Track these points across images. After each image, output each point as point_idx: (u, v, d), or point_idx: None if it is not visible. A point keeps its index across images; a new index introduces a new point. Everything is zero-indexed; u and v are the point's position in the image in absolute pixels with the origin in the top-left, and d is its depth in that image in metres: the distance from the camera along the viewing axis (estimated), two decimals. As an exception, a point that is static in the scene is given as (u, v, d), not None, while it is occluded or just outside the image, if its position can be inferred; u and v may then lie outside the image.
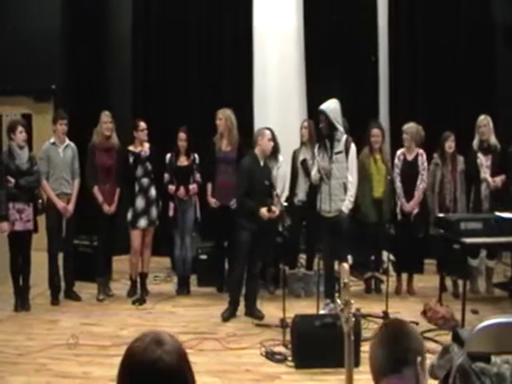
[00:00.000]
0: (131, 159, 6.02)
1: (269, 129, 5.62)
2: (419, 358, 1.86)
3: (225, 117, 6.06)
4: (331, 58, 7.54)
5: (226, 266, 6.29)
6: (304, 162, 6.06)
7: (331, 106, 5.42)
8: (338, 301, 2.32)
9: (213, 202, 6.07)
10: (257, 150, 5.38)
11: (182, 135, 6.19)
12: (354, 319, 2.30)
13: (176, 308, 5.82)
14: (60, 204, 5.90)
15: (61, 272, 6.04)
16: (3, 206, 5.49)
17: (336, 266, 5.19)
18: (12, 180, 5.49)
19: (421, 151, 6.12)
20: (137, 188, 6.02)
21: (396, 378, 1.84)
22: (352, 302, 2.26)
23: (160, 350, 1.49)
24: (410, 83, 7.52)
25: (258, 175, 5.27)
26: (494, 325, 3.25)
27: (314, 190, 5.84)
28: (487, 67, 7.32)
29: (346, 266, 2.35)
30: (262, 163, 5.38)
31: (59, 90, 7.88)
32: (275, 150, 5.89)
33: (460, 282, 5.59)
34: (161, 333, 1.57)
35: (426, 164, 6.06)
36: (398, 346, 1.87)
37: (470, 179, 6.03)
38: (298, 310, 4.88)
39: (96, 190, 5.94)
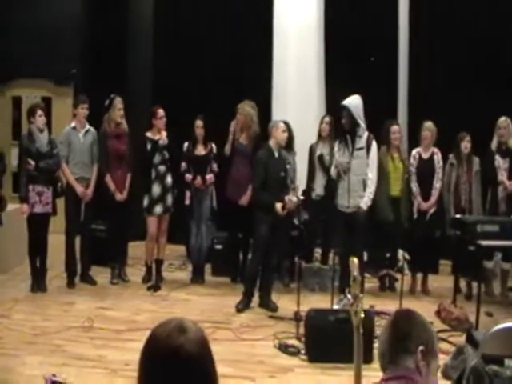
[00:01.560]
0: (149, 146, 6.04)
1: (284, 121, 5.64)
2: (421, 347, 1.79)
3: (244, 113, 6.10)
4: (351, 54, 7.52)
5: (241, 256, 6.32)
6: (321, 157, 6.10)
7: (354, 102, 5.49)
8: (348, 295, 2.35)
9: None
10: (271, 142, 5.41)
11: (199, 122, 6.21)
12: (363, 313, 2.33)
13: (190, 296, 5.87)
14: (79, 188, 5.95)
15: (77, 256, 6.11)
16: (23, 188, 5.58)
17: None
18: (32, 162, 5.56)
19: (436, 150, 6.12)
20: (153, 175, 6.05)
21: (393, 373, 1.80)
22: (361, 295, 2.28)
23: (183, 338, 1.49)
24: (429, 82, 7.45)
25: (274, 167, 5.31)
26: (509, 328, 3.35)
27: (332, 184, 5.90)
28: (508, 68, 7.24)
29: (355, 260, 2.38)
30: (276, 155, 5.40)
31: (79, 75, 7.92)
32: (290, 144, 5.95)
33: (474, 284, 5.58)
34: (184, 320, 1.56)
35: (441, 163, 6.05)
36: (398, 332, 1.82)
37: (487, 181, 6.00)
38: (312, 304, 4.89)
39: (108, 177, 5.97)
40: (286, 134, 5.44)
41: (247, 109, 6.12)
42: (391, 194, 6.05)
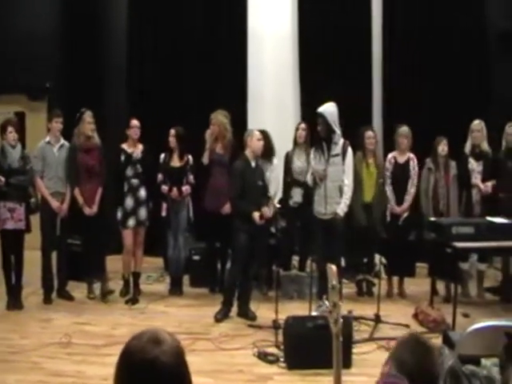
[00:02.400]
0: (122, 158, 6.00)
1: (262, 131, 5.67)
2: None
3: (218, 122, 6.11)
4: (325, 60, 7.56)
5: (219, 267, 6.29)
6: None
7: (329, 109, 5.51)
8: (327, 303, 2.36)
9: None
10: (247, 152, 5.41)
11: (173, 133, 6.15)
12: (342, 321, 2.33)
13: (169, 308, 5.82)
14: (54, 203, 5.89)
15: (54, 271, 6.03)
16: None
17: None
18: (2, 179, 5.49)
19: (412, 155, 6.15)
20: (126, 187, 6.02)
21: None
22: (340, 303, 2.29)
23: (158, 350, 1.46)
24: (404, 87, 7.53)
25: (251, 176, 5.31)
26: (485, 328, 3.39)
27: (309, 192, 5.90)
28: (481, 72, 7.36)
29: (333, 267, 2.37)
30: (253, 164, 5.40)
31: (53, 89, 7.88)
32: (269, 153, 5.94)
33: (451, 286, 5.61)
34: (159, 331, 1.54)
35: (417, 168, 6.07)
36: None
37: (462, 184, 6.04)
38: (291, 312, 4.87)
39: (77, 191, 5.88)
40: (261, 143, 5.43)
41: (220, 118, 6.13)
42: (364, 201, 6.09)
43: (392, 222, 6.11)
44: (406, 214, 6.09)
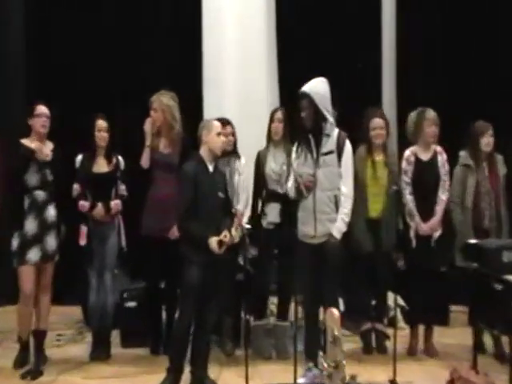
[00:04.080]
0: (23, 158, 5.59)
1: (222, 120, 5.51)
2: None
3: (161, 107, 5.88)
4: (315, 26, 7.47)
5: (164, 316, 6.02)
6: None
7: (318, 87, 5.22)
8: (324, 363, 2.36)
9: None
10: (203, 151, 5.15)
11: (102, 124, 5.88)
12: None
13: (89, 380, 5.44)
14: None
15: None
16: None
17: (321, 314, 4.97)
18: None
19: (439, 149, 5.92)
20: (27, 203, 5.58)
21: None
22: (344, 363, 2.27)
23: None
24: (422, 59, 7.46)
25: (207, 185, 5.07)
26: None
27: (290, 206, 5.61)
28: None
29: (335, 312, 2.42)
30: (211, 168, 5.16)
31: None
32: (234, 150, 5.94)
33: (505, 339, 5.27)
34: None
35: (447, 166, 5.87)
36: None
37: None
38: (268, 378, 4.88)
39: None
40: (222, 139, 5.22)
41: (165, 101, 5.87)
42: (370, 216, 5.83)
43: (419, 246, 5.82)
44: (438, 234, 5.83)
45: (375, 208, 5.86)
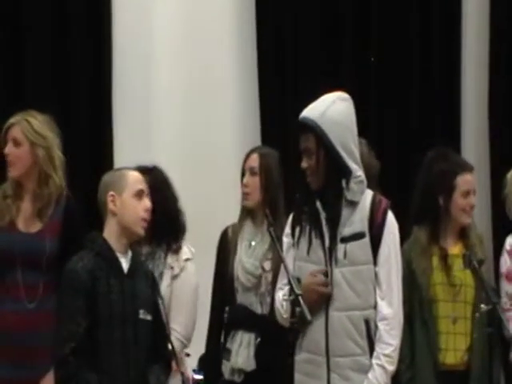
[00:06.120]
0: None
1: (142, 168, 4.00)
2: None
3: (29, 139, 4.17)
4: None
5: None
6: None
7: (332, 112, 3.65)
8: None
9: None
10: (109, 231, 3.67)
11: None
12: None
13: None
14: None
15: None
16: None
17: None
18: None
19: None
20: None
21: None
22: None
23: None
24: None
25: (117, 300, 3.57)
26: None
27: (277, 340, 3.91)
28: None
29: None
30: (125, 265, 3.62)
31: None
32: (170, 230, 4.16)
33: None
34: None
35: None
36: None
37: None
38: None
39: None
40: (146, 204, 3.63)
41: (37, 129, 4.13)
42: (443, 362, 4.06)
43: None
44: None
45: (453, 349, 4.07)
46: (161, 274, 3.93)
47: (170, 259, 4.02)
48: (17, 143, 3.81)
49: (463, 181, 4.08)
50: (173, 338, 3.72)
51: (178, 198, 4.18)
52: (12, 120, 3.86)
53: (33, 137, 3.84)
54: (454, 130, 6.06)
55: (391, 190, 4.38)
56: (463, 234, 4.14)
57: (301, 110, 3.74)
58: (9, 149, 3.84)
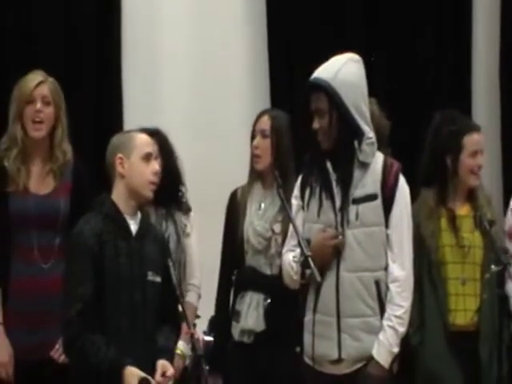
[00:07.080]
0: None
1: (148, 130, 3.92)
2: None
3: (55, 99, 4.06)
4: None
5: None
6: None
7: (344, 73, 3.65)
8: None
9: None
10: (117, 194, 3.58)
11: None
12: None
13: None
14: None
15: None
16: None
17: None
18: None
19: None
20: None
21: None
22: None
23: None
24: None
25: (125, 263, 3.47)
26: None
27: (287, 302, 3.90)
28: None
29: None
30: (133, 227, 3.53)
31: None
32: (173, 194, 4.22)
33: None
34: None
35: None
36: None
37: None
38: None
39: None
40: (155, 167, 3.56)
41: (56, 89, 4.14)
42: (452, 326, 4.01)
43: None
44: None
45: (463, 309, 3.99)
46: (178, 235, 4.04)
47: (184, 219, 4.09)
48: (46, 102, 3.77)
49: (470, 141, 4.06)
50: (193, 294, 3.93)
51: (181, 161, 4.23)
52: (40, 77, 3.79)
53: (58, 98, 3.81)
54: (465, 90, 5.96)
55: (402, 150, 4.27)
56: (471, 196, 4.11)
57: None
58: (39, 106, 3.81)
